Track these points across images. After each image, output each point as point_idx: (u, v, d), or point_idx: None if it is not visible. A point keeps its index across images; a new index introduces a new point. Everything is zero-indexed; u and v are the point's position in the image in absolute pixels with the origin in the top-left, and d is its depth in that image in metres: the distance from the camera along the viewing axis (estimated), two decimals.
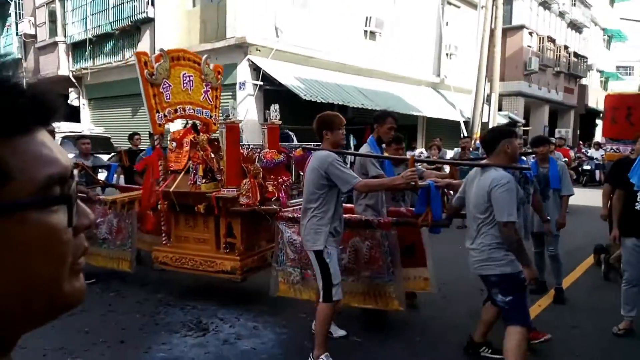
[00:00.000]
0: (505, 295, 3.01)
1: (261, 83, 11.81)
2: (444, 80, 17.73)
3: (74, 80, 17.39)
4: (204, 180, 4.50)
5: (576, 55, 26.93)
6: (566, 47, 25.90)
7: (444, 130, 16.05)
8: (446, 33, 17.64)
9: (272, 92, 12.03)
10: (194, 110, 5.08)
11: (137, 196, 5.11)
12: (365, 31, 14.46)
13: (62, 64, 17.40)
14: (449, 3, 18.26)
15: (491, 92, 16.60)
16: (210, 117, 5.25)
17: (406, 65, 15.80)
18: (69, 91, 17.67)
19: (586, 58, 28.12)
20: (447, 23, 17.68)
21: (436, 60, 17.77)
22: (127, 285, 5.13)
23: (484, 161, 3.41)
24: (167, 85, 4.73)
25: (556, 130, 24.13)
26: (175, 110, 4.87)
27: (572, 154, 15.12)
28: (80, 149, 6.55)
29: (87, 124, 15.65)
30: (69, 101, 17.71)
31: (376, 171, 3.94)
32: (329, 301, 3.29)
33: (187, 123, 5.11)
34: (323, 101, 11.19)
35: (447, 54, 17.89)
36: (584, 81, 28.62)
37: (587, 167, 16.49)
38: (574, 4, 26.73)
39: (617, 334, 3.96)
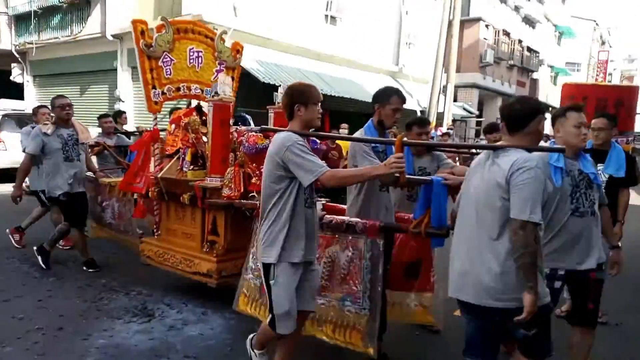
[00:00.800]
0: (529, 329, 2.17)
1: None
2: (402, 69, 17.86)
3: (17, 55, 16.43)
4: (191, 167, 4.01)
5: (529, 49, 27.77)
6: (520, 41, 26.65)
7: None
8: (406, 22, 17.73)
9: None
10: (202, 91, 4.52)
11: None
12: (326, 15, 14.33)
13: (3, 38, 16.40)
14: None
15: (447, 82, 16.87)
16: None
17: (366, 53, 15.78)
18: (12, 67, 16.69)
19: (538, 53, 29.06)
20: (407, 12, 17.77)
21: (395, 49, 17.85)
22: (68, 270, 4.87)
23: (501, 142, 2.38)
24: (168, 59, 4.22)
25: None
26: (178, 89, 4.36)
27: None
28: (103, 127, 6.17)
29: (32, 102, 14.84)
30: (11, 77, 16.74)
31: (371, 161, 2.94)
32: (272, 329, 2.63)
33: (189, 103, 4.68)
34: (282, 85, 11.01)
35: (406, 43, 18.00)
36: (535, 75, 29.59)
37: None
38: None
39: None
